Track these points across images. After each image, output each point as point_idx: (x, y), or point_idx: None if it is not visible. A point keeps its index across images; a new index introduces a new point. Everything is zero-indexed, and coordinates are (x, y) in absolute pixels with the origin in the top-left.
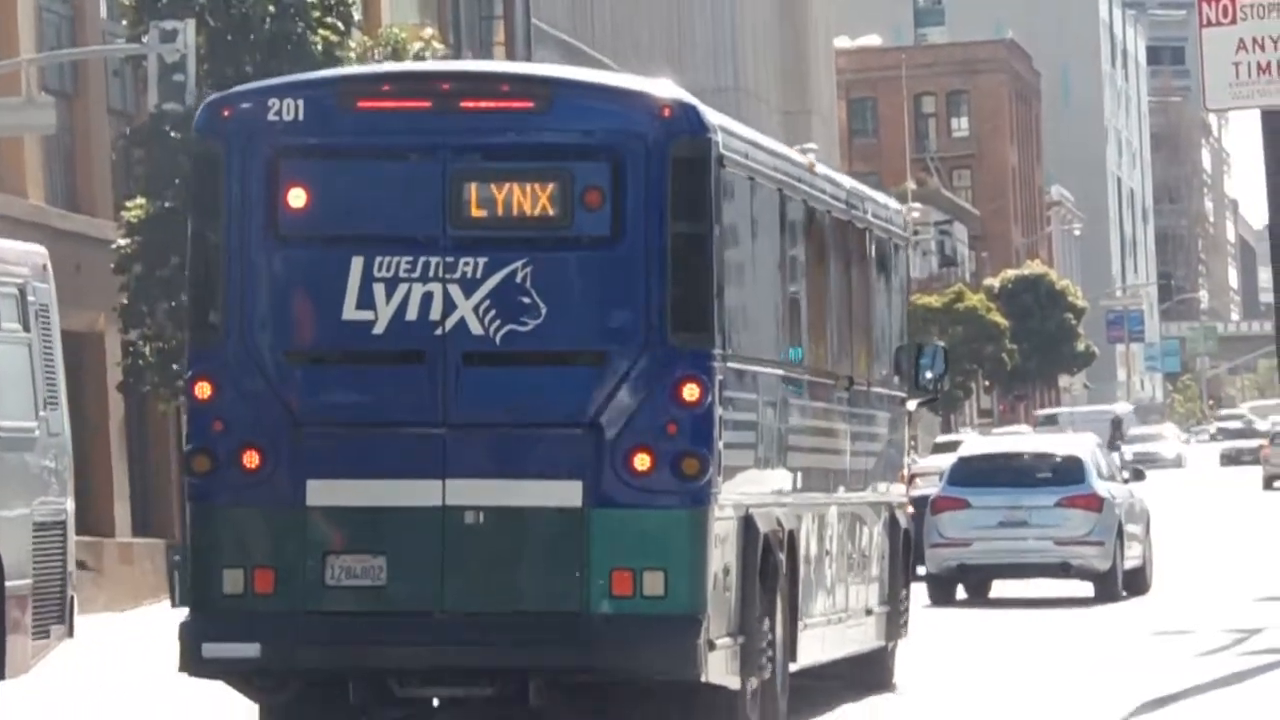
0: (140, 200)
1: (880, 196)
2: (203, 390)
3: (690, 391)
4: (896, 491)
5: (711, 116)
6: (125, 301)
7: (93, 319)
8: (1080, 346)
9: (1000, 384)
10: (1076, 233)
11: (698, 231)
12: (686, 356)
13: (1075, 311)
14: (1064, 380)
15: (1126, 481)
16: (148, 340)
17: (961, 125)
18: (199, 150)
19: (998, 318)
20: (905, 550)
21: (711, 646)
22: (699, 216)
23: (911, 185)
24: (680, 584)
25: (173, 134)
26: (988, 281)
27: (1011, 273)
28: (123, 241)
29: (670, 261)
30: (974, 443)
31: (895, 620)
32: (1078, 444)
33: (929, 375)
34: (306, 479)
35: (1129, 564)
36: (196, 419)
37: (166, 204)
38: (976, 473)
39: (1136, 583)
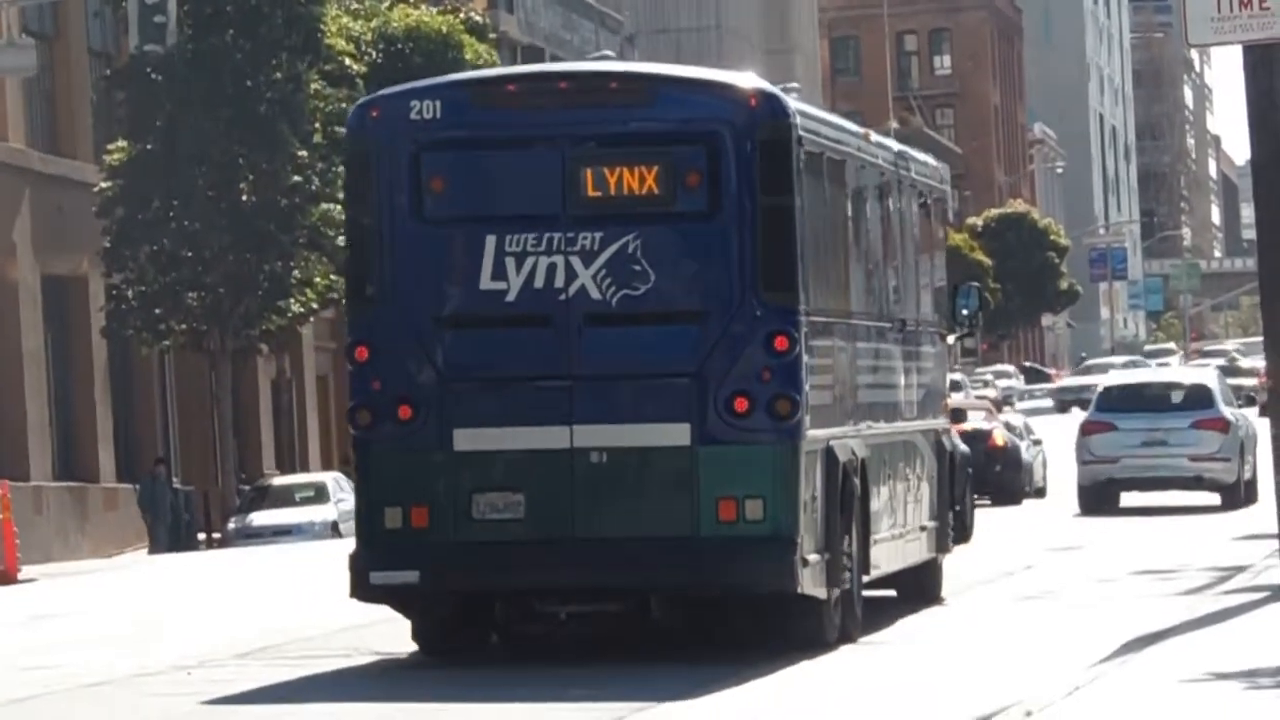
0: (122, 143)
1: (922, 155)
2: (361, 354)
3: (781, 343)
4: (940, 419)
5: (791, 103)
6: (108, 245)
7: (76, 262)
8: (1063, 285)
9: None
10: (1059, 170)
11: (783, 204)
12: (776, 313)
13: (1058, 250)
14: (1047, 319)
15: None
16: (130, 284)
17: (944, 63)
18: (352, 147)
19: (981, 256)
20: (950, 471)
21: (804, 563)
22: (784, 191)
23: (894, 124)
24: (777, 509)
25: (154, 76)
26: (970, 220)
27: (994, 211)
28: (105, 185)
29: (760, 231)
30: (1117, 374)
31: (943, 535)
32: (1205, 374)
33: (965, 312)
34: (453, 428)
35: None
36: (357, 379)
37: (148, 146)
38: (1120, 399)
39: (1250, 494)
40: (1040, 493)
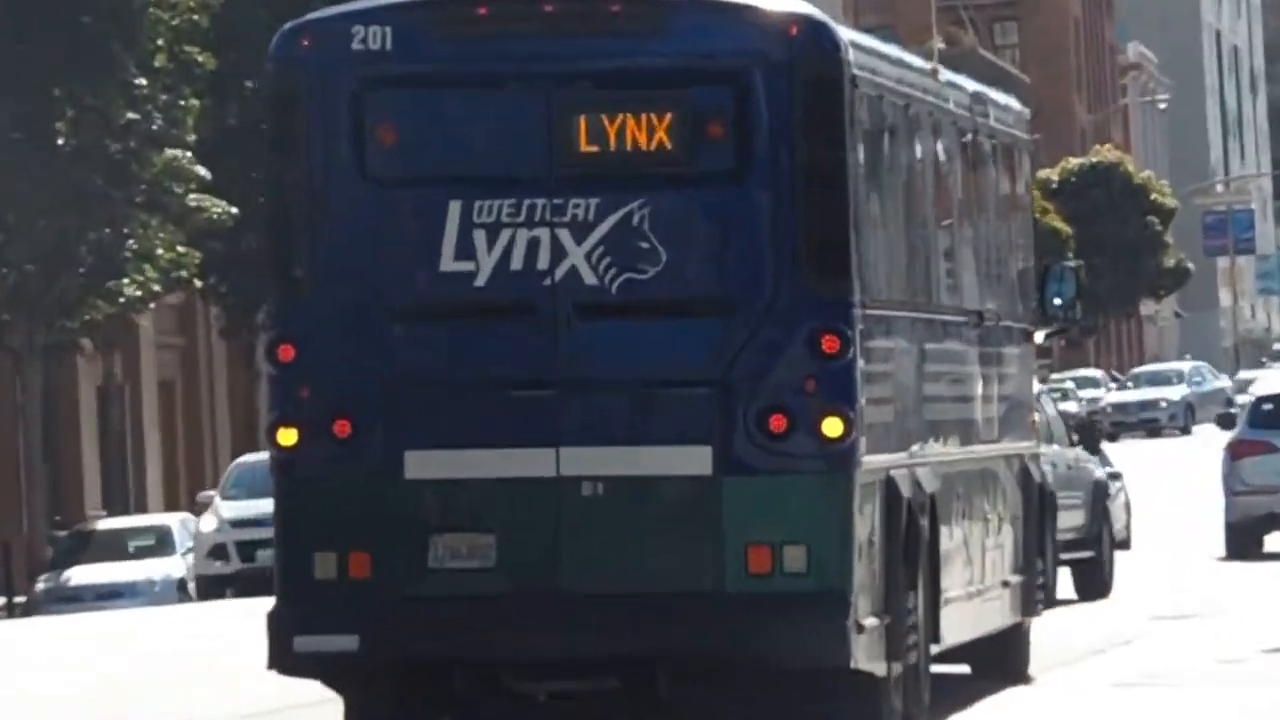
0: None
1: (1001, 97)
2: (286, 353)
3: (829, 343)
4: (1027, 441)
5: (842, 32)
6: None
7: None
8: (1169, 261)
9: None
10: (1162, 106)
11: (832, 162)
12: (824, 303)
13: (1161, 213)
14: (1147, 306)
15: None
16: None
17: None
18: (275, 85)
19: (1057, 222)
20: (1040, 509)
21: (859, 628)
22: (833, 145)
23: (939, 44)
24: (824, 558)
25: None
26: (1043, 173)
27: (1074, 162)
28: None
29: (803, 197)
30: (1270, 380)
31: (1030, 593)
32: None
33: (1058, 302)
34: (404, 449)
35: None
36: (280, 385)
37: None
38: (1278, 413)
39: None
40: (1123, 544)
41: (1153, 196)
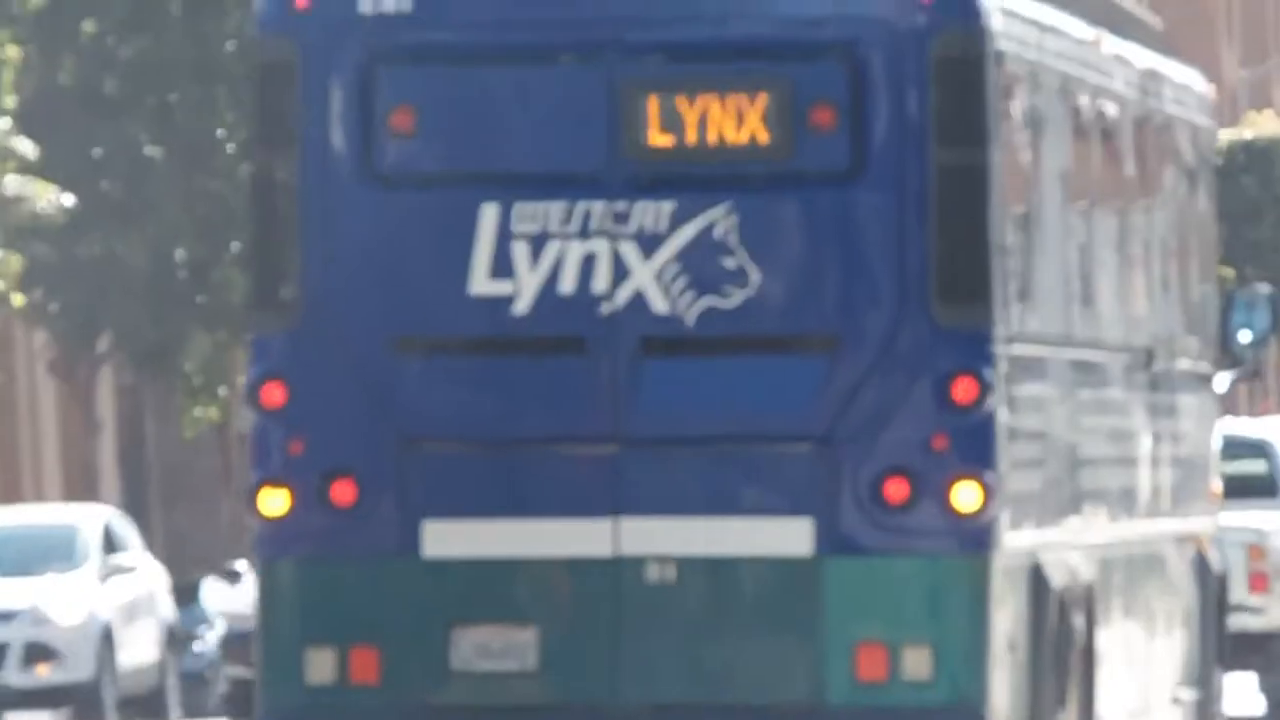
0: None
1: (1179, 73)
2: (273, 396)
3: (965, 389)
4: (1205, 517)
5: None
6: None
7: None
8: None
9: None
10: None
11: (970, 160)
12: (959, 338)
13: None
14: None
15: None
16: None
17: None
18: (263, 56)
19: None
20: (1219, 606)
21: None
22: (972, 139)
23: None
24: (955, 663)
25: None
26: None
27: (1224, 134)
28: None
29: (933, 204)
30: None
31: (1206, 713)
32: None
33: (1247, 337)
34: (422, 519)
35: None
36: (265, 437)
37: None
38: None
39: None
40: None
41: None
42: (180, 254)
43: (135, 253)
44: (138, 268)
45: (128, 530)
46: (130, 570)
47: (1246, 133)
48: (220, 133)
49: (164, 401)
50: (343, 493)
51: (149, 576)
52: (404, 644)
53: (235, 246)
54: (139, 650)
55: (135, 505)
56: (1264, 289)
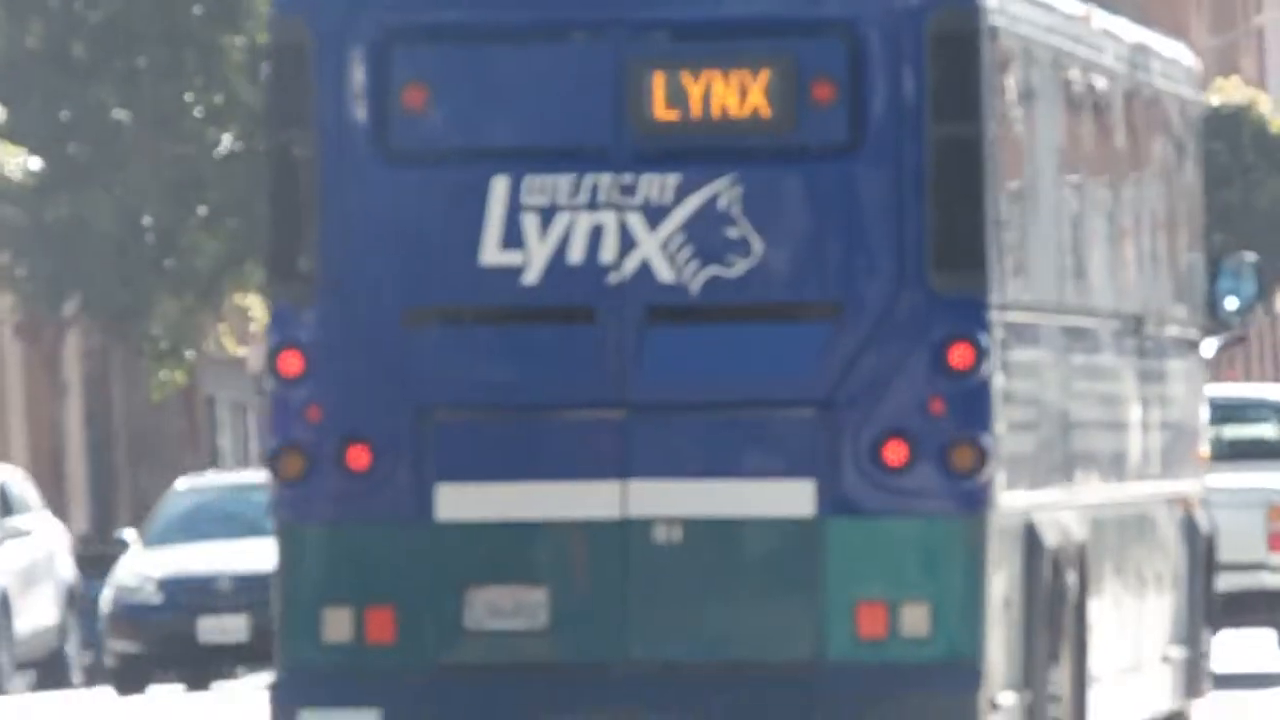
0: None
1: (1167, 48)
2: (290, 364)
3: (962, 354)
4: (1192, 479)
5: None
6: None
7: None
8: None
9: None
10: None
11: (968, 134)
12: (956, 306)
13: None
14: None
15: None
16: None
17: None
18: (279, 35)
19: None
20: (1206, 567)
21: (993, 707)
22: (969, 114)
23: None
24: (952, 620)
25: None
26: None
27: None
28: None
29: (930, 176)
30: None
31: (1195, 670)
32: None
33: (1233, 304)
34: (436, 483)
35: None
36: (283, 404)
37: None
38: None
39: None
40: None
41: None
42: (148, 218)
43: (103, 216)
44: (105, 231)
45: (28, 491)
46: (26, 534)
47: (1214, 99)
48: (188, 97)
49: (131, 365)
50: (358, 458)
51: (48, 538)
52: (418, 604)
53: (203, 210)
54: (37, 614)
55: (102, 468)
56: (1249, 257)
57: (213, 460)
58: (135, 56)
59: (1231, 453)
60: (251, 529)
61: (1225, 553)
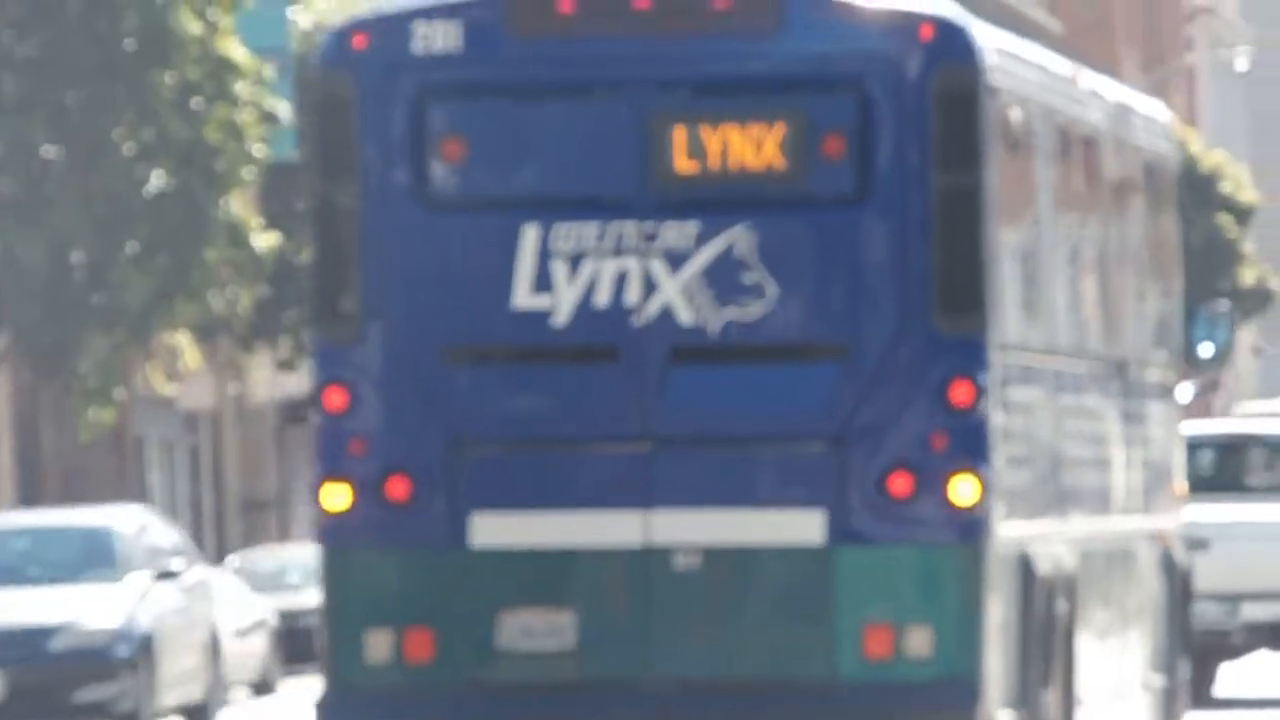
0: None
1: (1145, 106)
2: (336, 400)
3: (962, 392)
4: (1170, 515)
5: (981, 35)
6: None
7: None
8: (1247, 277)
9: None
10: (1241, 65)
11: (967, 186)
12: (957, 346)
13: (1237, 212)
14: None
15: None
16: None
17: None
18: (324, 90)
19: None
20: (1183, 598)
21: None
22: (968, 167)
23: None
24: (953, 641)
25: None
26: None
27: None
28: None
29: (933, 225)
30: None
31: (1173, 698)
32: None
33: (1207, 350)
34: (471, 512)
35: None
36: (329, 438)
37: None
38: None
39: None
40: None
41: (1225, 189)
42: (77, 255)
43: (32, 252)
44: (35, 268)
45: None
46: None
47: None
48: (118, 133)
49: (60, 403)
50: (398, 488)
51: None
52: (454, 626)
53: (132, 247)
54: None
55: (31, 507)
56: (1223, 306)
57: (141, 499)
58: (64, 91)
59: (1274, 486)
60: (11, 578)
61: (1267, 582)
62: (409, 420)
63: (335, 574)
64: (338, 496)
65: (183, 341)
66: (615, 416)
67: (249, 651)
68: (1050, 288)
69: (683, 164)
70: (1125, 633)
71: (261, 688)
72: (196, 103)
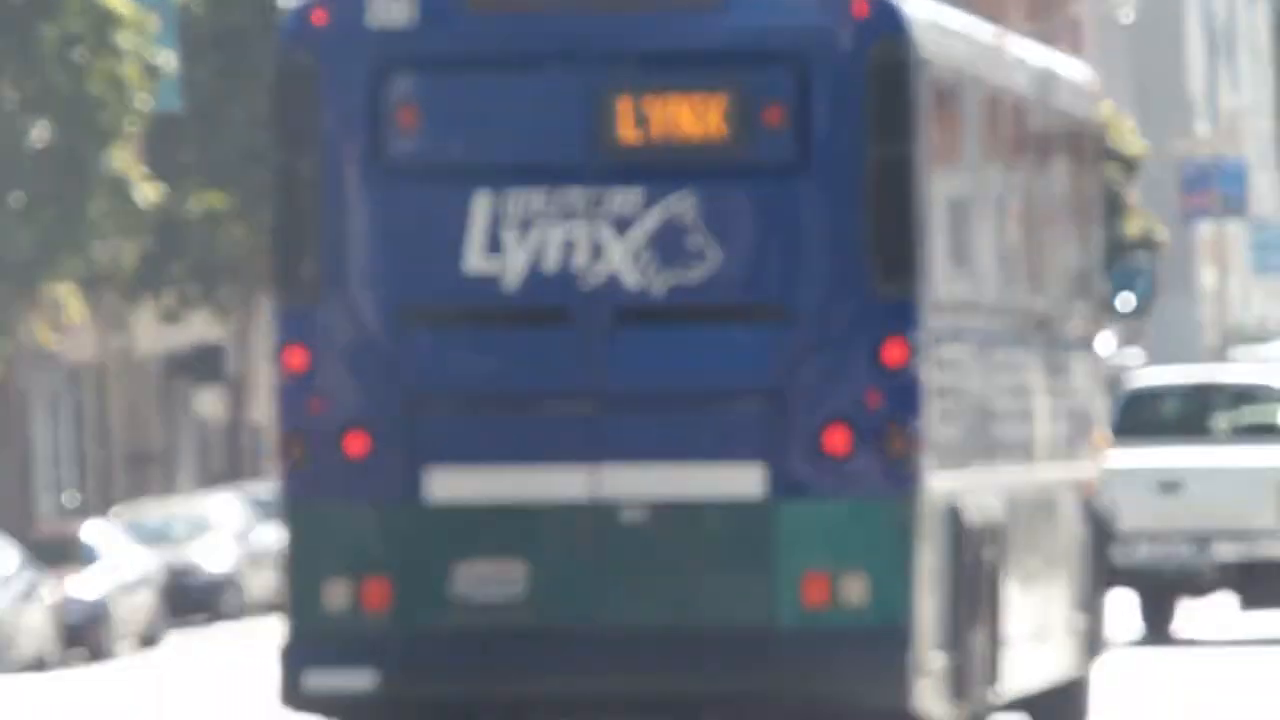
0: None
1: (1069, 70)
2: (296, 359)
3: (896, 351)
4: (1090, 464)
5: (912, 10)
6: None
7: None
8: (1132, 228)
9: None
10: (1125, 16)
11: (901, 154)
12: (890, 308)
13: (1123, 163)
14: None
15: None
16: None
17: None
18: (285, 64)
19: None
20: (1100, 543)
21: (922, 666)
22: (900, 136)
23: None
24: (887, 589)
25: None
26: None
27: None
28: None
29: (867, 192)
30: None
31: (1094, 638)
32: None
33: (1130, 303)
34: (425, 467)
35: None
36: (290, 396)
37: None
38: None
39: None
40: None
41: (1111, 140)
42: None
43: None
44: None
45: None
46: None
47: None
48: (1, 86)
49: None
50: (356, 444)
51: None
52: (411, 576)
53: (16, 200)
54: None
55: None
56: (1144, 260)
57: (25, 452)
58: None
59: (1243, 432)
60: None
61: (1237, 523)
62: (366, 379)
63: (297, 525)
64: (299, 452)
65: (67, 294)
66: (564, 375)
67: (135, 605)
68: (978, 249)
69: (629, 133)
70: (1049, 576)
71: (148, 641)
72: (80, 55)
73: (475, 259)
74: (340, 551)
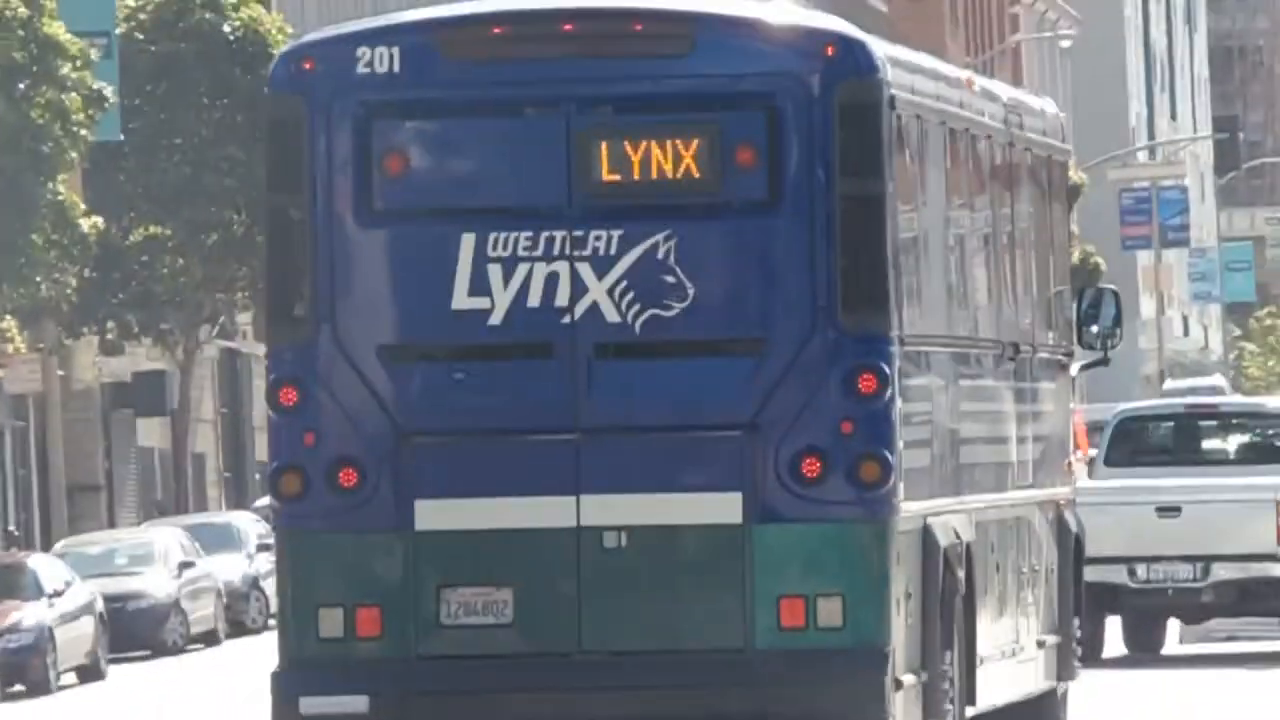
0: None
1: (1036, 102)
2: (288, 396)
3: (867, 382)
4: (1064, 485)
5: (880, 50)
6: None
7: None
8: (1072, 256)
9: None
10: (1065, 44)
11: (870, 192)
12: (861, 341)
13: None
14: None
15: None
16: None
17: None
18: (276, 110)
19: None
20: (1076, 562)
21: (897, 685)
22: (871, 173)
23: None
24: (861, 611)
25: None
26: None
27: None
28: None
29: (839, 228)
30: None
31: (1067, 655)
32: None
33: (1095, 329)
34: (414, 499)
35: None
36: (282, 431)
37: None
38: None
39: None
40: None
41: None
42: None
43: None
44: None
45: None
46: None
47: None
48: None
49: None
50: (347, 477)
51: None
52: (401, 603)
53: None
54: None
55: None
56: (1108, 289)
57: None
58: None
59: (1244, 456)
60: None
61: (1237, 546)
62: (356, 414)
63: (290, 556)
64: (292, 485)
65: (9, 325)
66: (547, 409)
67: (77, 636)
68: (948, 281)
69: (607, 175)
70: (1021, 596)
71: (89, 673)
72: (22, 85)
73: (461, 298)
74: (333, 581)
